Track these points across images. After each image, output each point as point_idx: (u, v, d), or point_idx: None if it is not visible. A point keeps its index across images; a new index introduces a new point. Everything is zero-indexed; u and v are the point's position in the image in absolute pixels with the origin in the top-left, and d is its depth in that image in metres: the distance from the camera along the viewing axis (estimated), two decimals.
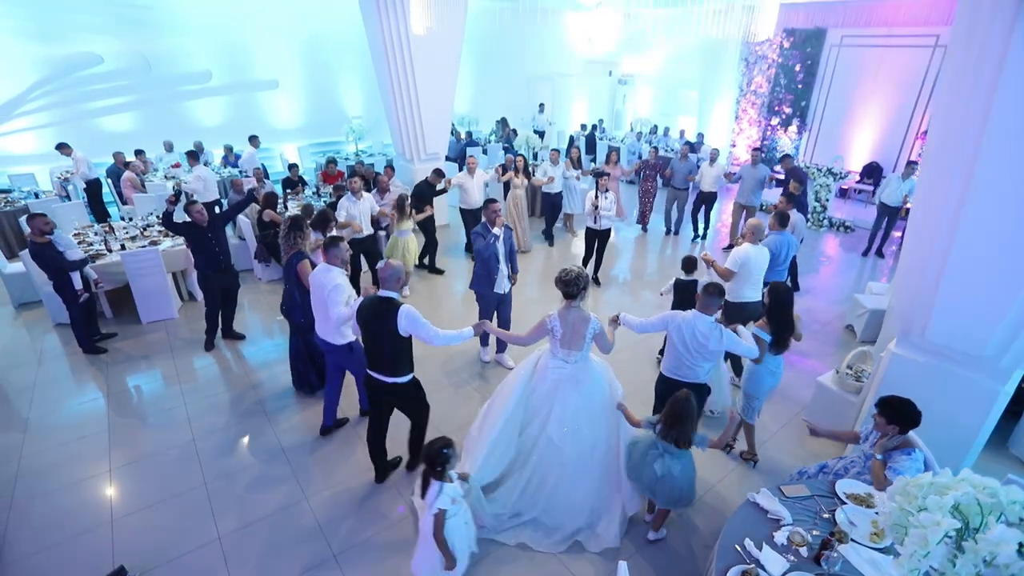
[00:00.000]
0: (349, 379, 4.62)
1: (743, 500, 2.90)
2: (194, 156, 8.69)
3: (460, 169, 8.37)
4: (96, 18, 9.69)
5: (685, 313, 3.52)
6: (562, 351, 3.47)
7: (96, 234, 6.68)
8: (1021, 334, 3.07)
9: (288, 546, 3.42)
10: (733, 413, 3.42)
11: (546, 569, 3.27)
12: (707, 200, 8.98)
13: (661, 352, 5.23)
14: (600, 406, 3.51)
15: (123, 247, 6.23)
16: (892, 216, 8.32)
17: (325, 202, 7.82)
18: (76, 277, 5.33)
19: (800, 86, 12.23)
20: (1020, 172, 2.76)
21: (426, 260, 7.71)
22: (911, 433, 2.96)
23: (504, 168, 8.51)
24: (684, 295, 4.96)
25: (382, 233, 7.51)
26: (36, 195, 8.47)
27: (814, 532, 2.64)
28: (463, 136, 13.40)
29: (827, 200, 10.03)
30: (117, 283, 6.09)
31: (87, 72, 9.89)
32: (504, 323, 5.28)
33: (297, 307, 4.46)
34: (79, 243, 6.28)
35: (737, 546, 2.58)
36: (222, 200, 8.81)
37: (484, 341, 5.53)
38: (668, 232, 9.62)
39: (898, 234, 8.85)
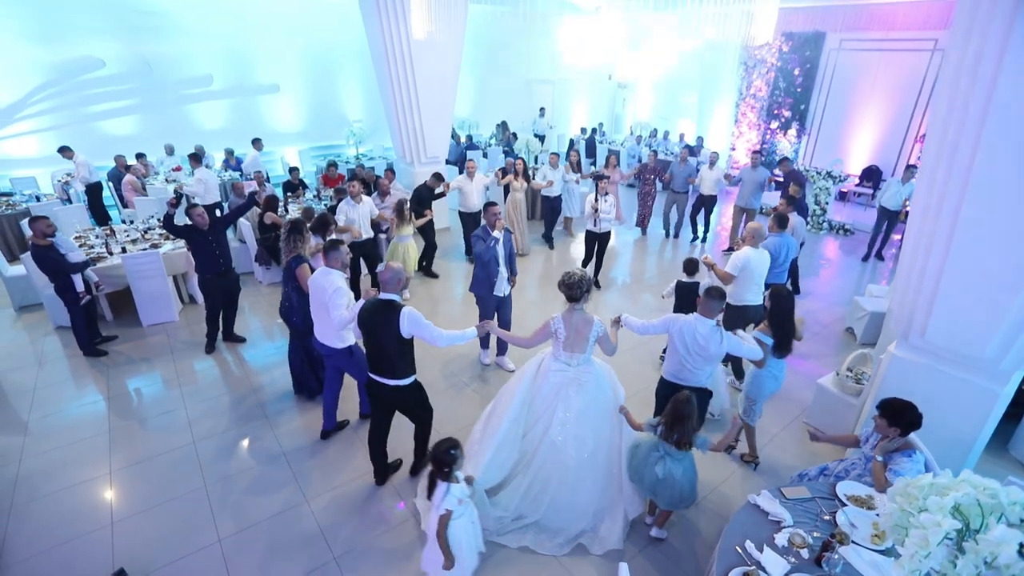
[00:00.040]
0: (349, 382, 4.62)
1: (744, 502, 2.90)
2: (196, 158, 8.72)
3: (460, 173, 8.40)
4: (98, 22, 9.73)
5: (687, 316, 3.53)
6: (564, 354, 3.47)
7: (97, 237, 6.69)
8: (1020, 336, 3.08)
9: (289, 549, 3.41)
10: (736, 418, 3.42)
11: (548, 572, 3.27)
12: (707, 203, 9.03)
13: (664, 353, 5.23)
14: (603, 409, 3.51)
15: (124, 250, 6.25)
16: (892, 220, 8.35)
17: (326, 205, 7.84)
18: (78, 279, 5.34)
19: (799, 90, 12.28)
20: (1018, 174, 2.77)
21: (424, 263, 7.73)
22: (912, 435, 2.97)
23: (504, 171, 8.54)
24: (686, 297, 4.97)
25: (382, 236, 7.52)
26: (37, 198, 8.49)
27: (815, 534, 2.64)
28: (463, 140, 13.43)
29: (827, 203, 10.06)
30: (118, 286, 6.09)
31: (89, 76, 9.93)
32: (504, 325, 5.28)
33: (295, 310, 4.47)
34: (80, 246, 6.29)
35: (738, 548, 2.57)
36: (223, 203, 8.83)
37: (484, 344, 5.53)
38: (667, 235, 9.64)
39: (898, 237, 8.87)
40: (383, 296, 3.38)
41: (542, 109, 15.10)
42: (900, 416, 2.88)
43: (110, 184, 9.20)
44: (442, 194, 7.50)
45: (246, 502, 3.77)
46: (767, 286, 4.46)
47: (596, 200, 6.80)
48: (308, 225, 4.86)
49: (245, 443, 4.37)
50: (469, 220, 7.89)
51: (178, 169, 10.00)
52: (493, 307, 5.13)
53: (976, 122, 2.82)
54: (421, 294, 7.18)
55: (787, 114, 12.57)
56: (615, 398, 3.57)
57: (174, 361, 5.50)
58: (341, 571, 3.26)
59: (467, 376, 5.30)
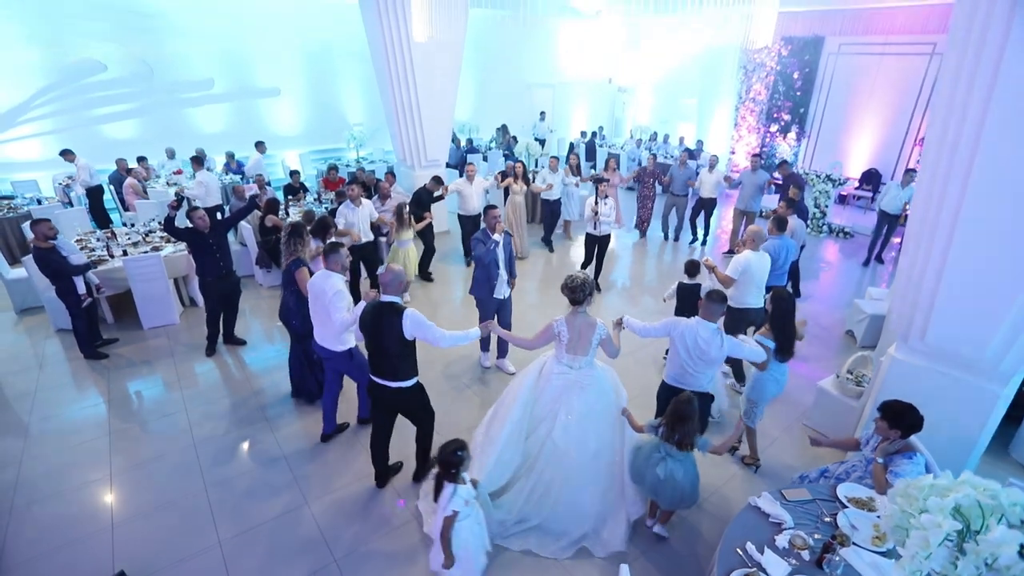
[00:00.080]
0: (349, 384, 4.62)
1: (745, 504, 2.90)
2: (198, 161, 8.73)
3: (461, 176, 8.42)
4: (100, 25, 9.77)
5: (688, 320, 3.54)
6: (567, 356, 3.48)
7: (98, 240, 6.70)
8: (1020, 337, 3.08)
9: (289, 552, 3.41)
10: (739, 422, 3.42)
11: (551, 575, 3.26)
12: (706, 206, 9.05)
13: (667, 354, 5.24)
14: (605, 412, 3.52)
15: (125, 253, 6.26)
16: (892, 223, 8.36)
17: (327, 208, 7.85)
18: (79, 282, 5.35)
19: (799, 93, 12.31)
20: (1017, 175, 2.78)
21: (421, 266, 7.73)
22: (912, 437, 2.97)
23: (504, 175, 8.56)
24: (687, 299, 4.97)
25: (382, 239, 7.53)
26: (39, 201, 8.50)
27: (816, 536, 2.64)
28: (464, 143, 13.46)
29: (826, 206, 10.08)
30: (118, 288, 6.10)
31: (90, 79, 9.95)
32: (504, 328, 5.27)
33: (294, 313, 4.47)
34: (81, 248, 6.30)
35: (739, 549, 2.57)
36: (224, 206, 8.84)
37: (485, 346, 5.53)
38: (666, 238, 9.65)
39: (897, 240, 8.88)
40: (384, 298, 3.39)
41: (542, 113, 15.14)
42: (901, 418, 2.88)
43: (111, 187, 9.22)
44: (441, 197, 7.52)
45: (246, 505, 3.76)
46: (768, 289, 4.47)
47: (596, 203, 6.82)
48: (308, 228, 4.87)
49: (245, 446, 4.37)
50: (468, 223, 7.90)
51: (179, 172, 10.02)
52: (493, 310, 5.13)
53: (975, 123, 2.83)
54: (421, 297, 7.19)
55: (787, 118, 12.60)
56: (617, 401, 3.58)
57: (175, 364, 5.51)
58: (342, 574, 3.26)
59: (468, 379, 5.30)
